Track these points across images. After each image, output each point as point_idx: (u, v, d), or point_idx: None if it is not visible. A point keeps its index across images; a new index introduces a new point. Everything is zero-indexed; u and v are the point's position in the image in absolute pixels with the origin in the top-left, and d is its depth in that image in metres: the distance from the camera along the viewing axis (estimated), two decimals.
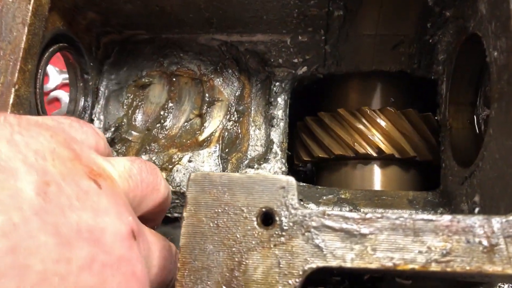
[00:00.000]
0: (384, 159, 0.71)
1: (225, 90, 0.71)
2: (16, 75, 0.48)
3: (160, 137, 0.70)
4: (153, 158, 0.67)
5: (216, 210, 0.44)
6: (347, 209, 0.66)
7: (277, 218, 0.43)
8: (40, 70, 0.53)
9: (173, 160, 0.67)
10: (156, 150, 0.68)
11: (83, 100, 0.68)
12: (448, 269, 0.41)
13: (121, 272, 0.37)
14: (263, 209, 0.44)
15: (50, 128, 0.38)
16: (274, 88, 0.70)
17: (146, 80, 0.71)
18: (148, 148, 0.68)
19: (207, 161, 0.68)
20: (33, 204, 0.31)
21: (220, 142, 0.69)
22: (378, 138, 0.70)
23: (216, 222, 0.44)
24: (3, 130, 0.33)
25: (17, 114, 0.48)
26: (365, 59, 0.71)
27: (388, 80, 0.74)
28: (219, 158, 0.68)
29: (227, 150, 0.69)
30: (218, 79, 0.71)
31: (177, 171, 0.67)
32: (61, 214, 0.33)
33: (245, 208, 0.44)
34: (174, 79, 0.71)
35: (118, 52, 0.72)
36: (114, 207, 0.39)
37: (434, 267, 0.41)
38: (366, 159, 0.71)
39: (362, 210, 0.66)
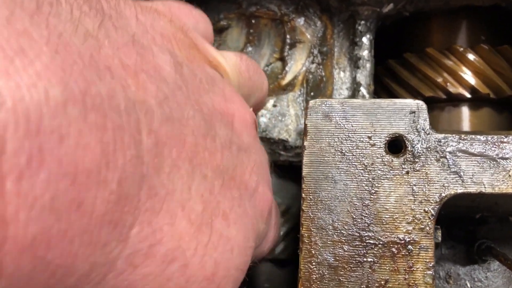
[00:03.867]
0: (477, 100, 0.67)
1: (307, 31, 0.67)
2: None
3: None
4: None
5: (339, 138, 0.41)
6: None
7: (408, 144, 0.40)
8: None
9: None
10: None
11: None
12: None
13: (252, 159, 0.36)
14: (392, 135, 0.41)
15: (165, 13, 0.36)
16: (359, 28, 0.67)
17: (224, 23, 0.68)
18: None
19: (292, 105, 0.65)
20: (175, 79, 0.30)
21: (305, 85, 0.66)
22: (471, 77, 0.66)
23: (340, 149, 0.41)
24: (129, 10, 0.31)
25: None
26: None
27: (480, 16, 0.69)
28: (305, 102, 0.65)
29: (312, 93, 0.66)
30: (299, 19, 0.67)
31: (262, 116, 0.64)
32: (198, 93, 0.32)
33: (371, 134, 0.41)
34: (253, 21, 0.68)
35: None
36: (237, 96, 0.38)
37: None
38: (457, 100, 0.67)
39: None
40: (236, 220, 0.32)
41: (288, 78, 0.67)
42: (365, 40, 0.67)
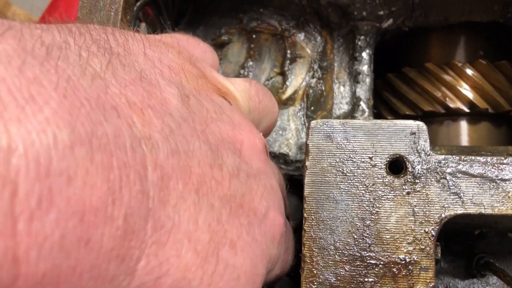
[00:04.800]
0: (475, 115, 0.68)
1: (307, 46, 0.68)
2: (118, 25, 0.46)
3: None
4: None
5: (340, 158, 0.42)
6: None
7: (408, 165, 0.41)
8: (133, 22, 0.52)
9: None
10: None
11: None
12: None
13: (262, 184, 0.36)
14: (392, 156, 0.41)
15: (173, 46, 0.37)
16: (359, 43, 0.67)
17: (225, 38, 0.68)
18: None
19: (292, 119, 0.66)
20: (181, 112, 0.31)
21: (305, 100, 0.67)
22: (470, 92, 0.66)
23: (341, 170, 0.41)
24: (137, 46, 0.32)
25: None
26: (454, 10, 0.67)
27: (478, 32, 0.70)
28: (305, 116, 0.66)
29: (312, 108, 0.66)
30: (299, 35, 0.68)
31: None
32: (204, 124, 0.33)
33: (372, 155, 0.42)
34: (254, 36, 0.69)
35: (193, 10, 0.70)
36: (246, 123, 0.38)
37: None
38: (456, 115, 0.68)
39: None
40: (244, 248, 0.32)
41: (289, 92, 0.67)
42: (365, 55, 0.68)
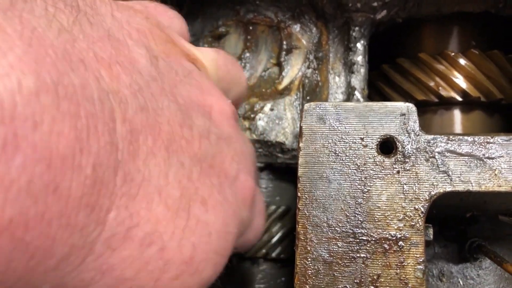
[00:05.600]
0: (468, 104, 0.69)
1: (303, 37, 0.69)
2: None
3: None
4: None
5: (333, 139, 0.43)
6: None
7: (398, 145, 0.42)
8: None
9: (255, 109, 0.67)
10: None
11: None
12: None
13: (232, 148, 0.37)
14: (383, 137, 0.43)
15: (141, 11, 0.38)
16: (354, 34, 0.69)
17: (223, 30, 0.70)
18: None
19: (289, 109, 0.67)
20: (150, 71, 0.31)
21: (301, 90, 0.68)
22: (462, 81, 0.68)
23: (334, 150, 0.43)
24: (105, 7, 0.33)
25: None
26: (446, 0, 0.68)
27: (470, 22, 0.71)
28: (301, 106, 0.67)
29: (308, 97, 0.68)
30: (295, 26, 0.69)
31: (259, 119, 0.66)
32: (174, 85, 0.33)
33: (364, 136, 0.43)
34: (250, 28, 0.70)
35: (191, 2, 0.71)
36: (216, 89, 0.39)
37: None
38: (449, 104, 0.70)
39: None
40: (215, 206, 0.33)
41: (285, 82, 0.69)
42: (359, 46, 0.69)
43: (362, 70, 0.69)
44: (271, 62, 0.70)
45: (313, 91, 0.68)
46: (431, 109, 0.71)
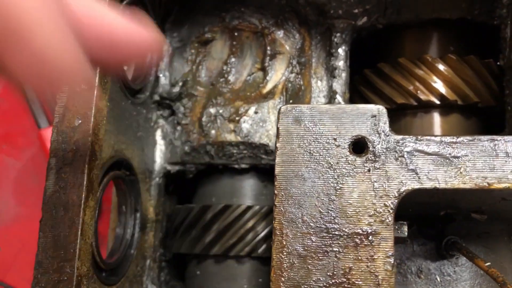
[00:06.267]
0: (446, 107, 0.72)
1: (287, 43, 0.72)
2: None
3: (225, 91, 0.71)
4: (220, 111, 0.69)
5: (308, 140, 0.45)
6: None
7: (369, 145, 0.44)
8: None
9: (240, 112, 0.69)
10: (222, 104, 0.70)
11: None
12: None
13: None
14: (355, 137, 0.45)
15: None
16: (335, 39, 0.71)
17: (209, 36, 0.72)
18: (214, 101, 0.70)
19: (272, 112, 0.69)
20: None
21: (284, 93, 0.70)
22: (440, 85, 0.70)
23: (309, 150, 0.45)
24: None
25: None
26: (425, 7, 0.71)
27: (448, 28, 0.74)
28: None
29: (291, 101, 0.70)
30: (279, 32, 0.72)
31: (244, 122, 0.68)
32: None
33: (337, 136, 0.45)
34: (236, 34, 0.72)
35: (178, 10, 0.74)
36: None
37: None
38: (427, 107, 0.72)
39: None
40: None
41: (269, 87, 0.71)
42: (341, 51, 0.72)
43: (344, 75, 0.71)
44: (255, 67, 0.72)
45: (296, 95, 0.71)
46: (410, 112, 0.74)
